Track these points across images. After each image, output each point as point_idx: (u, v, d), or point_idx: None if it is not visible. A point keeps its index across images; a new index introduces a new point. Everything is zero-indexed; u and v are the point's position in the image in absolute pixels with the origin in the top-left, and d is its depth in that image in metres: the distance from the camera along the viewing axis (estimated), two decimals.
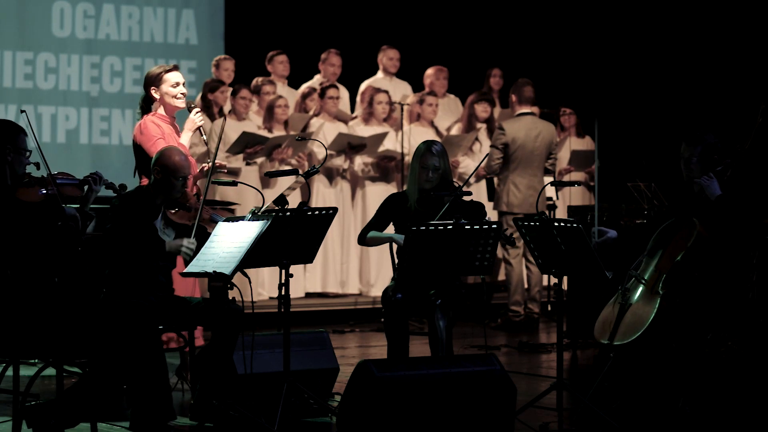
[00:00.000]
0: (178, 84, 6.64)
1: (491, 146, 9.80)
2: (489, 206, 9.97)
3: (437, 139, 10.47)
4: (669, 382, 6.04)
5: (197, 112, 6.62)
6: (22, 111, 5.85)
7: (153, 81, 6.65)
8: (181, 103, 6.66)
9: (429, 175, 6.44)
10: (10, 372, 5.33)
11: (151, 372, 5.33)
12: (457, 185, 6.49)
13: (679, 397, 5.94)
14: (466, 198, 6.55)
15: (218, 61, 10.36)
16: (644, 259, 6.16)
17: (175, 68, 6.71)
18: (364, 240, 6.58)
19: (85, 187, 5.70)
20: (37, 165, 5.48)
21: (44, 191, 5.43)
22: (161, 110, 6.67)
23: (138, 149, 6.62)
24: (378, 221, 6.60)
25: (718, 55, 11.51)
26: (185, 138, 6.60)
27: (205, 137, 6.73)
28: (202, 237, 5.87)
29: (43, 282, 5.23)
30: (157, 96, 6.65)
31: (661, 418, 5.98)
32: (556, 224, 5.97)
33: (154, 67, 6.79)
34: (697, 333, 5.96)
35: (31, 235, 5.28)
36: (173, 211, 5.88)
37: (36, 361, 6.13)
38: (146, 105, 6.72)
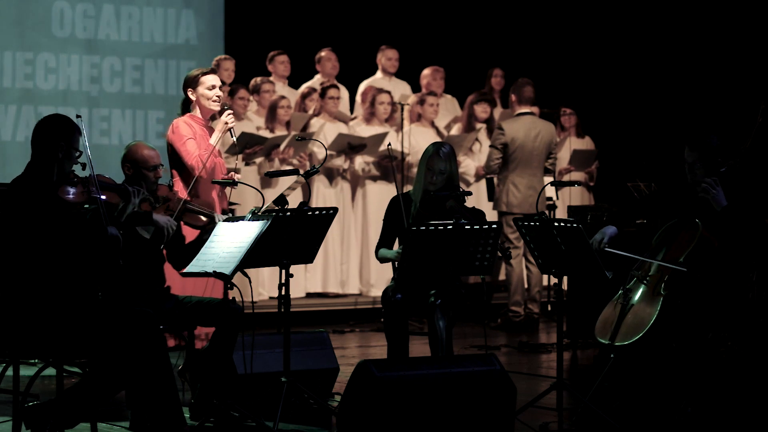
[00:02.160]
0: (214, 87, 6.75)
1: (490, 146, 9.80)
2: (488, 206, 9.98)
3: (438, 139, 10.48)
4: (669, 382, 6.04)
5: (228, 114, 6.69)
6: (78, 116, 5.44)
7: (190, 83, 6.78)
8: (216, 106, 6.76)
9: (434, 178, 6.41)
10: (10, 372, 5.33)
11: (153, 373, 5.31)
12: (462, 190, 6.45)
13: (679, 397, 5.93)
14: (468, 204, 6.53)
15: (218, 61, 10.35)
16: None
17: (213, 71, 6.83)
18: (377, 257, 6.59)
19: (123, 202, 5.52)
20: (83, 165, 5.31)
21: (85, 193, 5.27)
22: (197, 112, 6.76)
23: (170, 148, 6.73)
24: (387, 233, 6.57)
25: (719, 55, 11.51)
26: (215, 138, 6.67)
27: (234, 138, 6.79)
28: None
29: (62, 285, 5.20)
30: (193, 98, 6.77)
31: (661, 418, 5.98)
32: (556, 224, 5.97)
33: (194, 69, 6.90)
34: (698, 333, 5.96)
35: (62, 237, 5.18)
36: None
37: (36, 361, 6.13)
38: (186, 106, 6.82)
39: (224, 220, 6.02)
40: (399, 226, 6.47)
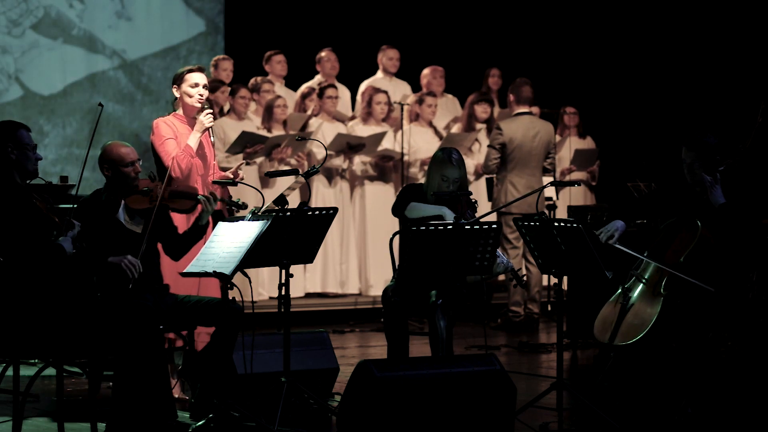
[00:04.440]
0: (197, 85, 6.62)
1: (489, 146, 9.79)
2: (489, 206, 9.97)
3: (436, 139, 10.49)
4: (669, 381, 6.04)
5: (207, 114, 6.59)
6: (100, 105, 5.57)
7: (176, 79, 6.69)
8: (196, 104, 6.62)
9: (449, 186, 6.44)
10: (10, 372, 5.33)
11: (151, 372, 5.31)
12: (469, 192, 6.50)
13: (679, 396, 5.93)
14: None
15: (217, 61, 10.36)
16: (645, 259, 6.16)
17: (200, 69, 6.70)
18: (402, 210, 6.45)
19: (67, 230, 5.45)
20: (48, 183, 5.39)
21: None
22: (181, 110, 6.67)
23: (152, 148, 6.69)
24: (407, 199, 6.49)
25: (718, 55, 11.51)
26: (193, 139, 6.57)
27: (213, 139, 6.70)
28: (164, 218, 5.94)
29: (44, 283, 5.20)
30: (177, 95, 6.66)
31: (661, 418, 5.98)
32: (556, 224, 5.97)
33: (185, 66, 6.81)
34: (698, 333, 5.96)
35: (39, 237, 5.19)
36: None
37: (36, 361, 6.13)
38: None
39: (228, 219, 6.03)
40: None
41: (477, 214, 6.57)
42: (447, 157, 6.45)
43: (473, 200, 6.58)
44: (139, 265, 5.56)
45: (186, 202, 6.06)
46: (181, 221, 6.26)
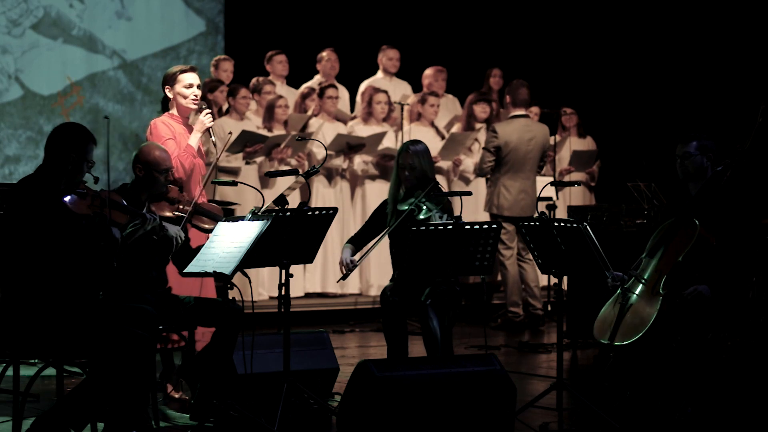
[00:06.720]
0: (191, 85, 6.56)
1: (483, 148, 9.78)
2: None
3: (438, 138, 10.49)
4: (669, 381, 6.04)
5: (207, 114, 6.55)
6: (105, 117, 5.46)
7: (168, 80, 6.61)
8: (192, 105, 6.56)
9: (406, 174, 6.48)
10: (10, 372, 5.33)
11: (142, 371, 5.25)
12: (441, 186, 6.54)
13: (679, 397, 5.93)
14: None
15: (217, 62, 10.36)
16: (644, 259, 6.16)
17: (193, 69, 6.63)
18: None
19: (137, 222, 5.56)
20: (96, 179, 5.31)
21: (92, 207, 5.29)
22: (175, 110, 6.62)
23: None
24: (367, 230, 6.69)
25: (718, 55, 11.51)
26: (194, 139, 6.54)
27: (213, 139, 6.66)
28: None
29: (62, 285, 5.18)
30: (170, 95, 6.60)
31: (661, 418, 5.98)
32: (556, 224, 5.97)
33: (175, 66, 6.75)
34: (698, 333, 5.96)
35: (61, 240, 5.16)
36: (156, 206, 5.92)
37: (36, 361, 6.13)
38: (165, 104, 6.69)
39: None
40: (378, 229, 6.62)
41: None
42: (405, 147, 6.57)
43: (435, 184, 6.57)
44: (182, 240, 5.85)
45: (205, 220, 6.10)
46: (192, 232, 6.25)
